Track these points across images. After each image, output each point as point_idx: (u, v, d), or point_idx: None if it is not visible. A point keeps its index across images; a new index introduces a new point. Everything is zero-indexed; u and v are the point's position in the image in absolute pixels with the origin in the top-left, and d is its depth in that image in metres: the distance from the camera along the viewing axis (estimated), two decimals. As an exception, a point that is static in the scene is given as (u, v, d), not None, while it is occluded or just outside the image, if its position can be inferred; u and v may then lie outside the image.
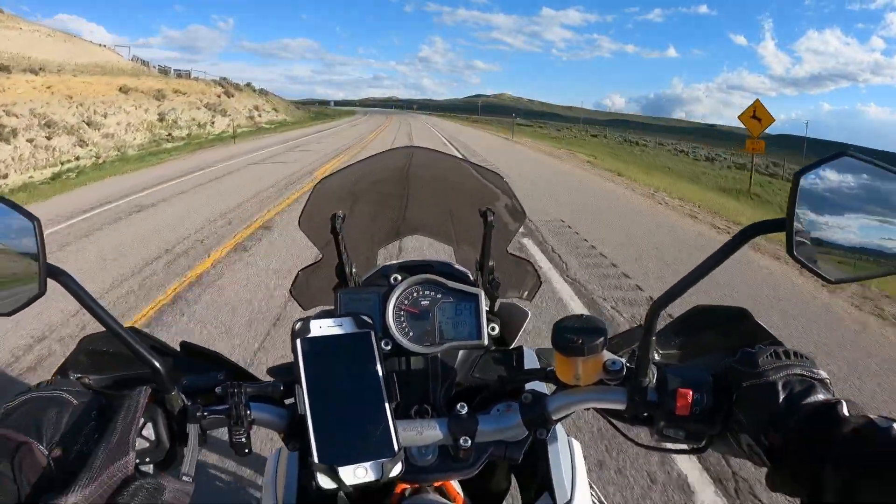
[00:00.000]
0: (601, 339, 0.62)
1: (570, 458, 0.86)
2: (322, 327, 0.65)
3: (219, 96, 37.45)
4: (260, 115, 41.85)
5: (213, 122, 31.17)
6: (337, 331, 0.65)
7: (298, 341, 0.63)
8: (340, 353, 0.64)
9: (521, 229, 4.00)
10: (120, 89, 26.00)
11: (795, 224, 0.50)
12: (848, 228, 0.53)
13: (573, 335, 0.62)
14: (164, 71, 40.39)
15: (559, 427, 0.87)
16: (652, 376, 0.62)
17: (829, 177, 0.52)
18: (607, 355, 0.64)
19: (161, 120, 26.15)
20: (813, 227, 0.52)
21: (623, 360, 0.64)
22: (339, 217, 0.84)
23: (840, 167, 0.52)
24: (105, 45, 39.98)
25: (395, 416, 0.62)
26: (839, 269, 0.53)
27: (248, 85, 48.41)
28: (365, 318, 0.66)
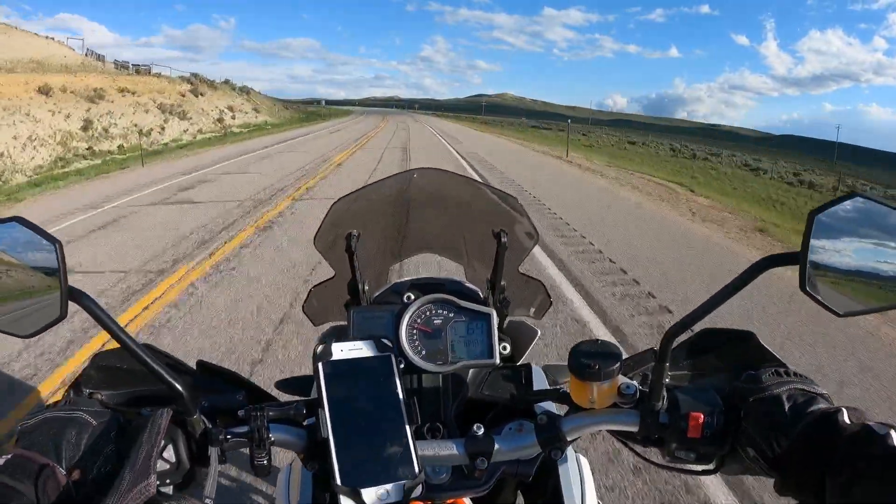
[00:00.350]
0: (617, 364, 0.64)
1: (579, 475, 0.87)
2: (343, 350, 0.66)
3: (182, 95, 31.96)
4: (234, 117, 35.78)
5: (162, 129, 25.59)
6: (358, 354, 0.66)
7: (321, 364, 0.64)
8: (361, 376, 0.65)
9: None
10: (39, 90, 20.59)
11: (809, 260, 0.54)
12: (858, 265, 0.56)
13: (590, 360, 0.64)
14: (122, 66, 35.33)
15: None
16: (664, 400, 0.64)
17: (842, 215, 0.55)
18: (621, 379, 0.66)
19: (86, 129, 20.28)
20: (825, 264, 0.55)
21: (636, 384, 0.65)
22: (355, 236, 0.86)
23: (853, 206, 0.55)
24: (54, 38, 34.71)
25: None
26: (848, 302, 0.56)
27: (227, 82, 42.88)
28: (385, 341, 0.68)
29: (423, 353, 0.80)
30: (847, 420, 0.55)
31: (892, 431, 0.52)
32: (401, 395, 0.64)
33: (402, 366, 0.76)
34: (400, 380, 0.65)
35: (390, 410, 0.63)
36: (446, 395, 0.80)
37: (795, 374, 0.63)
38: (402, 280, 0.91)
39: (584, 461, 0.92)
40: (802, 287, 0.55)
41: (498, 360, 0.80)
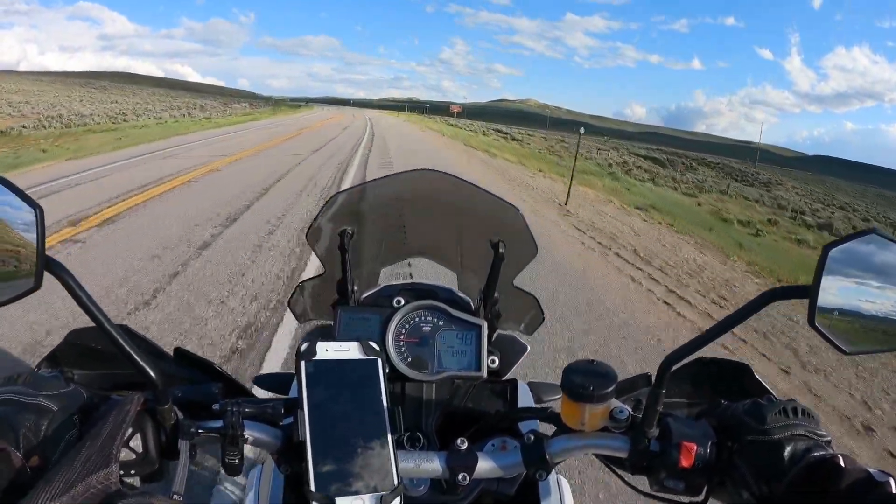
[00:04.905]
0: (612, 387, 0.63)
1: (559, 497, 0.87)
2: (329, 351, 0.65)
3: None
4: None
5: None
6: (344, 356, 0.65)
7: (303, 363, 0.63)
8: (345, 379, 0.64)
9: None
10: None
11: (820, 295, 0.55)
12: (870, 303, 0.57)
13: (584, 381, 0.63)
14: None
15: None
16: (657, 427, 0.64)
17: (857, 251, 0.56)
18: (615, 402, 0.65)
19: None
20: (836, 300, 0.55)
21: (629, 409, 0.65)
22: (349, 234, 0.85)
23: (868, 243, 0.56)
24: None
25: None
26: (857, 341, 0.57)
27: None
28: (373, 344, 0.67)
29: (409, 360, 0.80)
30: (844, 465, 0.55)
31: (892, 480, 0.52)
32: (385, 403, 0.63)
33: (386, 371, 0.78)
34: (386, 386, 0.65)
35: (373, 417, 0.62)
36: (429, 404, 0.79)
37: (803, 411, 0.63)
38: (394, 283, 0.91)
39: (564, 482, 0.92)
40: (811, 322, 0.55)
41: (485, 374, 0.80)
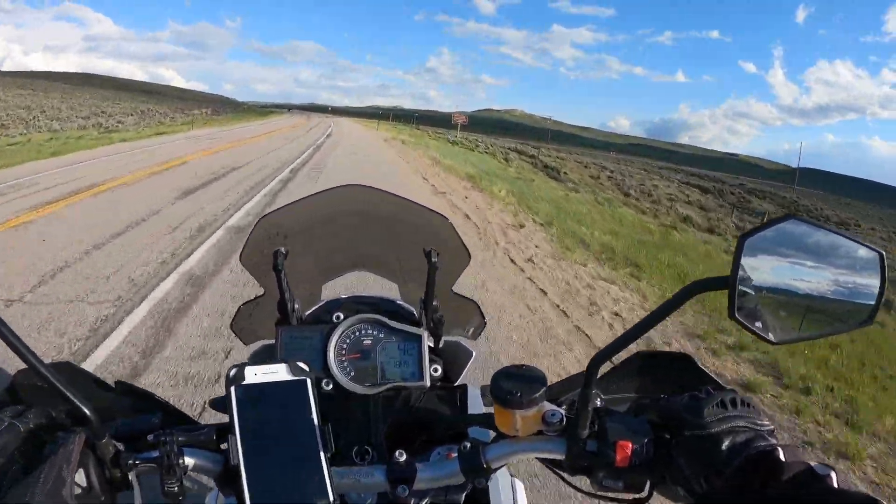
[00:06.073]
0: (541, 391, 0.64)
1: (512, 500, 0.87)
2: (258, 374, 0.66)
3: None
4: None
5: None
6: (272, 378, 0.66)
7: (233, 388, 0.64)
8: (275, 402, 0.65)
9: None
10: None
11: (739, 287, 0.54)
12: (793, 290, 0.56)
13: (512, 387, 0.64)
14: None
15: (505, 467, 0.88)
16: (592, 427, 0.64)
17: (776, 240, 0.55)
18: (547, 406, 0.66)
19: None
20: (758, 289, 0.55)
21: (562, 411, 0.66)
22: (282, 254, 0.86)
23: (787, 230, 0.55)
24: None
25: (334, 462, 0.65)
26: (782, 330, 0.56)
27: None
28: (301, 365, 0.68)
29: (353, 374, 0.82)
30: (784, 459, 0.54)
31: (832, 473, 0.51)
32: (316, 421, 0.65)
33: (329, 387, 0.80)
34: (316, 405, 0.66)
35: (305, 437, 0.64)
36: (377, 418, 0.81)
37: (742, 402, 0.62)
38: (336, 298, 0.92)
39: (519, 485, 0.92)
40: (731, 314, 0.54)
41: (428, 382, 0.82)
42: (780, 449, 0.55)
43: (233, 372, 0.66)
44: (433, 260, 0.87)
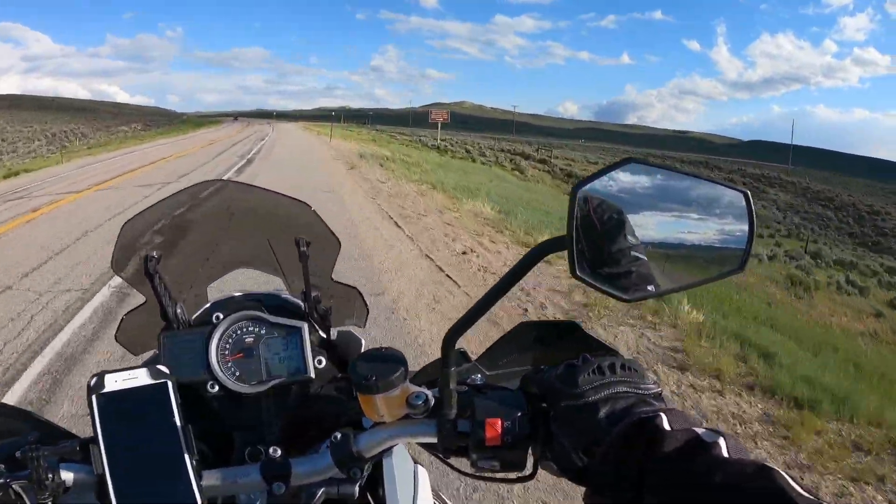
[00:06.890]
0: (397, 372, 0.62)
1: (412, 487, 0.86)
2: (118, 381, 0.65)
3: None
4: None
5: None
6: (132, 384, 0.66)
7: (94, 398, 0.64)
8: (137, 407, 0.65)
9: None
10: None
11: (579, 243, 0.49)
12: (659, 241, 0.52)
13: (367, 371, 0.62)
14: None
15: (405, 454, 0.88)
16: (457, 407, 0.62)
17: (614, 186, 0.51)
18: (411, 388, 0.64)
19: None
20: (599, 245, 0.50)
21: (428, 392, 0.64)
22: (154, 258, 0.84)
23: (626, 175, 0.51)
24: None
25: (220, 464, 0.66)
26: (635, 284, 0.52)
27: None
28: (162, 368, 0.67)
29: (238, 374, 0.80)
30: (668, 426, 0.49)
31: (721, 440, 0.47)
32: (178, 424, 0.64)
33: (216, 389, 0.79)
34: (178, 407, 0.65)
35: (168, 440, 0.63)
36: (269, 415, 0.80)
37: (623, 366, 0.57)
38: (221, 298, 0.91)
39: (421, 471, 0.91)
40: (573, 272, 0.50)
41: (313, 374, 0.81)
42: (663, 415, 0.50)
43: (93, 381, 0.65)
44: (302, 249, 0.86)
